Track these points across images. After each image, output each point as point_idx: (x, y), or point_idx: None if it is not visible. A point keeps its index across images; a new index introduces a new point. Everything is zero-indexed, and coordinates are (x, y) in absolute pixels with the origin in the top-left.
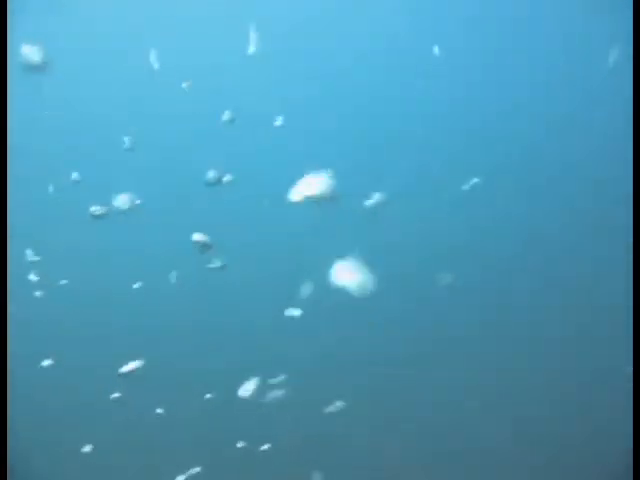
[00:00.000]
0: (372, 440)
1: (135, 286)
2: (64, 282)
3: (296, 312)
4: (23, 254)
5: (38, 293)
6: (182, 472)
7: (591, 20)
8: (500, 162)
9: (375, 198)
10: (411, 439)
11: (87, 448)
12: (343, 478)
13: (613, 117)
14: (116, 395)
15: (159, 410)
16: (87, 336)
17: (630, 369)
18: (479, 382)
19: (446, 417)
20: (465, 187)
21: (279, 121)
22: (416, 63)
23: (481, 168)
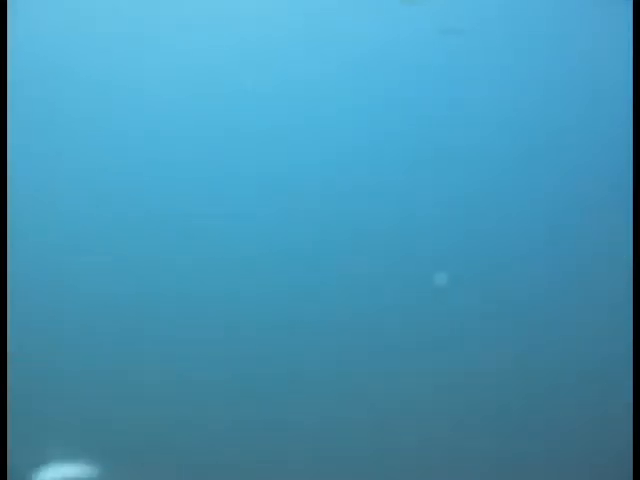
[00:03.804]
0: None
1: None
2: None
3: None
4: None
5: None
6: None
7: (591, 20)
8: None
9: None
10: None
11: None
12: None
13: (615, 120)
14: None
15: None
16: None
17: (630, 368)
18: (478, 379)
19: (445, 413)
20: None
21: None
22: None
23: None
